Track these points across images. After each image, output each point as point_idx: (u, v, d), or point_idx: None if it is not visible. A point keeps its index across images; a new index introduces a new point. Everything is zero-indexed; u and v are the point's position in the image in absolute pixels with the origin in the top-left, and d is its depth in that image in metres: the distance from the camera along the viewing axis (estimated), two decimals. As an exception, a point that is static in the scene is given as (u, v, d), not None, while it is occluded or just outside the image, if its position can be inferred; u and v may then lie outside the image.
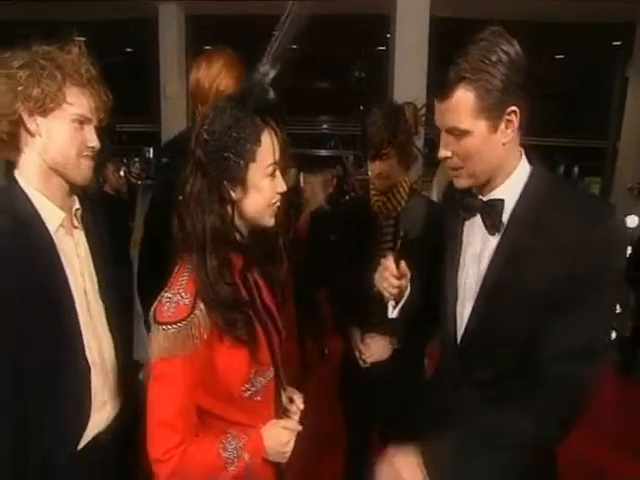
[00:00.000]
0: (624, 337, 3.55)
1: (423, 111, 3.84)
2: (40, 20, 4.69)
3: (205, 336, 0.77)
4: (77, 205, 0.98)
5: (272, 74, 0.80)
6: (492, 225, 0.87)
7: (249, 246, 0.88)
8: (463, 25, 4.06)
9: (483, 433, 0.85)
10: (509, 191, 0.86)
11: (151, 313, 0.78)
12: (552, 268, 0.80)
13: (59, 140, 0.89)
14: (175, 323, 0.75)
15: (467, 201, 0.92)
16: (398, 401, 1.47)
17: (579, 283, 0.79)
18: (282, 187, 0.85)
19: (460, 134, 0.82)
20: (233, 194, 0.80)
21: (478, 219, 0.91)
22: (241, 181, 0.79)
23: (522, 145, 0.89)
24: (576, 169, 8.55)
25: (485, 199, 0.89)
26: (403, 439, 1.53)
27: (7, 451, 0.85)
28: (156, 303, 0.78)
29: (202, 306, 0.77)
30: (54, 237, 0.90)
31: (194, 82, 1.39)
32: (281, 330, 0.94)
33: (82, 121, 0.90)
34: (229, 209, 0.81)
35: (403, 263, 1.00)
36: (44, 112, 0.86)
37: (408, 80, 3.77)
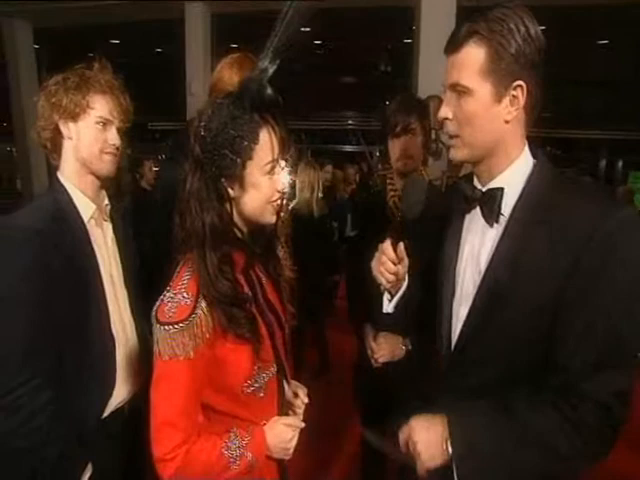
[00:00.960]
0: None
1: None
2: (77, 25, 4.90)
3: (207, 335, 0.76)
4: (106, 201, 1.15)
5: (271, 70, 0.78)
6: (490, 215, 0.83)
7: (250, 243, 0.87)
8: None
9: (523, 436, 0.79)
10: (510, 181, 0.82)
11: (153, 313, 0.78)
12: (559, 266, 0.75)
13: (86, 140, 1.05)
14: (177, 323, 0.75)
15: (467, 192, 0.88)
16: (412, 402, 1.46)
17: (591, 282, 0.74)
18: (282, 185, 0.83)
19: (463, 92, 0.78)
20: (231, 192, 0.80)
21: (478, 212, 0.87)
22: (239, 179, 0.78)
23: (528, 139, 0.84)
24: (620, 163, 8.01)
25: (484, 189, 0.85)
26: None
27: (51, 410, 0.96)
28: (158, 303, 0.79)
29: (204, 305, 0.77)
30: (87, 225, 1.07)
31: (214, 80, 1.42)
32: (284, 326, 0.93)
33: (104, 123, 1.06)
34: (228, 207, 0.80)
35: (401, 245, 0.93)
36: (73, 117, 1.03)
37: (434, 73, 3.67)
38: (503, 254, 0.81)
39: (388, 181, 1.54)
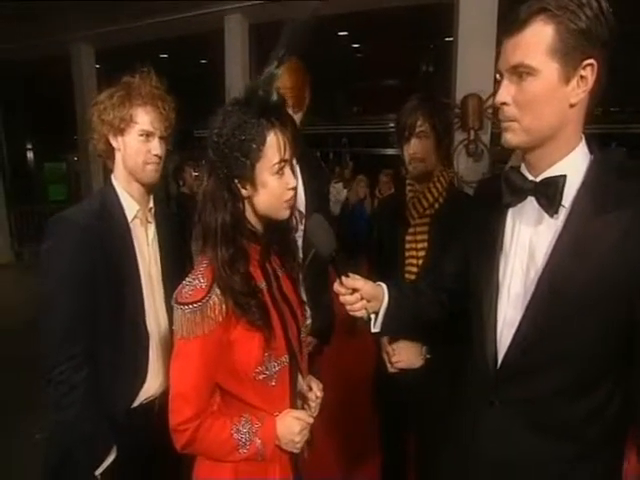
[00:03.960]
0: None
1: (489, 103, 3.58)
2: (131, 43, 5.23)
3: (220, 318, 0.82)
4: (151, 204, 1.23)
5: (276, 77, 0.84)
6: (550, 205, 0.76)
7: (265, 238, 0.92)
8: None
9: None
10: (570, 169, 0.75)
11: (174, 295, 0.86)
12: (636, 256, 0.69)
13: (131, 151, 1.13)
14: (192, 304, 0.82)
15: (517, 182, 0.81)
16: (431, 411, 1.40)
17: None
18: (292, 183, 0.87)
19: (527, 73, 0.72)
20: (244, 191, 0.86)
21: (527, 205, 0.80)
22: (250, 179, 0.84)
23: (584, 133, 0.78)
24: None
25: (538, 179, 0.79)
26: (439, 446, 1.46)
27: (85, 389, 1.04)
28: (179, 287, 0.86)
29: (218, 291, 0.83)
30: (130, 224, 1.15)
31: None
32: (299, 319, 0.96)
33: (147, 134, 1.13)
34: (241, 205, 0.86)
35: (345, 278, 0.93)
36: (120, 131, 1.12)
37: (473, 70, 3.55)
38: (568, 247, 0.74)
39: (407, 182, 1.52)
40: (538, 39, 0.71)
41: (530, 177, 0.80)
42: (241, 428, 0.87)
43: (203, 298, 0.82)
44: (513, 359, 0.81)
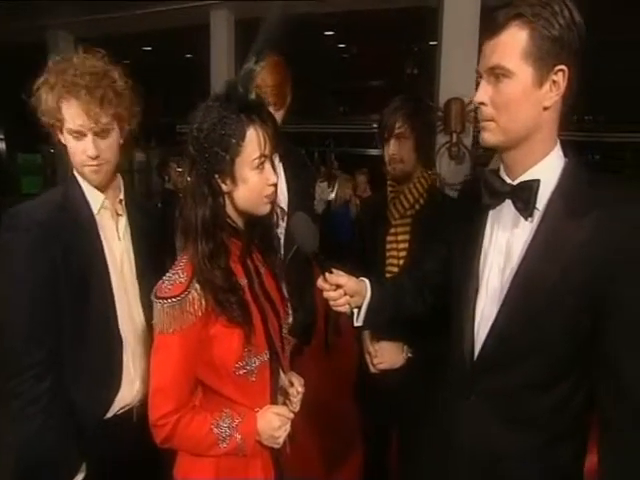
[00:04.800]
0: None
1: (471, 107, 3.65)
2: (114, 33, 5.11)
3: (200, 313, 0.83)
4: (121, 196, 1.11)
5: (255, 73, 0.85)
6: (525, 208, 0.80)
7: (246, 233, 0.92)
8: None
9: None
10: (544, 174, 0.79)
11: (154, 290, 0.86)
12: (606, 257, 0.73)
13: (69, 151, 1.01)
14: (171, 298, 0.82)
15: (495, 185, 0.85)
16: (413, 408, 1.43)
17: (627, 284, 0.72)
18: (273, 179, 0.88)
19: (503, 74, 0.77)
20: (224, 186, 0.86)
21: (505, 207, 0.84)
22: (230, 174, 0.84)
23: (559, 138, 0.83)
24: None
25: (516, 182, 0.82)
26: (420, 441, 1.48)
27: (47, 401, 0.95)
28: (159, 282, 0.86)
29: (197, 287, 0.83)
30: (96, 216, 1.05)
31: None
32: (281, 316, 0.97)
33: (75, 134, 0.97)
34: (221, 200, 0.86)
35: (329, 274, 0.95)
36: (56, 130, 0.99)
37: (455, 75, 3.61)
38: (540, 248, 0.78)
39: (388, 182, 1.53)
40: (513, 43, 0.75)
41: (508, 180, 0.84)
42: (221, 423, 0.87)
43: (182, 293, 0.82)
44: (489, 352, 0.85)
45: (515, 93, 0.76)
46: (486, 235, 0.88)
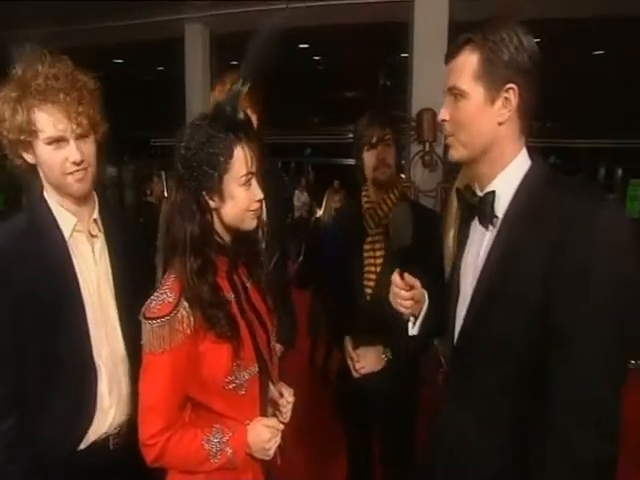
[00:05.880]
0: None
1: (443, 117, 3.76)
2: (84, 46, 5.05)
3: (189, 331, 0.83)
4: (95, 215, 1.04)
5: (242, 94, 0.88)
6: (484, 219, 0.87)
7: (233, 249, 0.94)
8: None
9: None
10: (504, 184, 0.85)
11: (142, 311, 0.86)
12: (549, 261, 0.76)
13: (45, 165, 0.93)
14: (160, 318, 0.82)
15: (468, 200, 0.92)
16: (394, 408, 1.47)
17: (566, 288, 0.74)
18: (259, 195, 0.91)
19: (459, 94, 0.84)
20: (212, 203, 0.87)
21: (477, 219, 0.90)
22: (217, 191, 0.86)
23: (527, 146, 0.88)
24: (620, 171, 8.03)
25: (480, 195, 0.89)
26: (402, 441, 1.50)
27: (8, 440, 0.90)
28: (147, 302, 0.86)
29: (186, 304, 0.84)
30: (68, 241, 0.98)
31: (213, 102, 1.50)
32: (268, 329, 0.98)
33: (56, 142, 0.91)
34: (209, 217, 0.88)
35: (407, 274, 1.00)
36: (25, 145, 0.91)
37: (427, 87, 3.73)
38: (496, 255, 0.84)
39: (363, 193, 1.57)
40: (466, 65, 0.83)
41: (479, 192, 0.90)
42: (212, 438, 0.87)
43: (171, 312, 0.83)
44: (460, 354, 0.91)
45: (470, 111, 0.83)
46: (466, 246, 0.95)
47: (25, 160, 0.95)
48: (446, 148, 0.90)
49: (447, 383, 0.97)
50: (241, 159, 0.86)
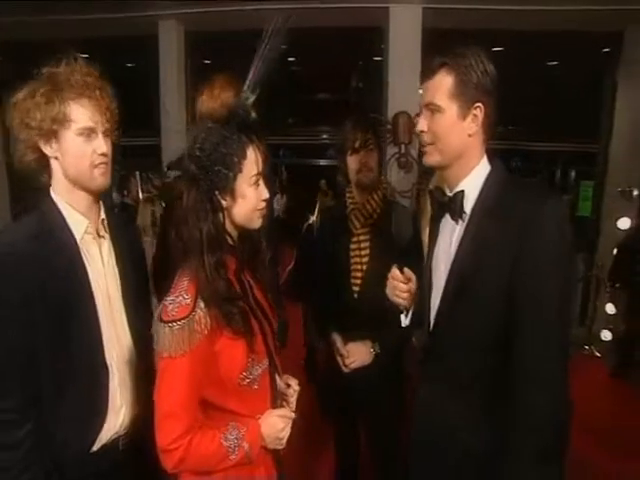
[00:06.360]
0: (618, 338, 3.55)
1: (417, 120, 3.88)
2: (42, 39, 4.83)
3: (206, 331, 0.85)
4: (103, 215, 1.06)
5: (253, 98, 0.93)
6: (454, 214, 0.99)
7: (240, 249, 0.98)
8: (455, 35, 4.15)
9: None
10: (470, 185, 0.98)
11: (156, 315, 0.87)
12: (504, 256, 0.88)
13: (72, 157, 0.95)
14: (179, 320, 0.84)
15: (439, 198, 1.03)
16: (379, 399, 1.54)
17: (522, 271, 0.86)
18: (265, 195, 0.95)
19: (435, 109, 0.96)
20: (224, 202, 0.91)
21: (447, 216, 1.01)
22: (230, 190, 0.90)
23: (487, 151, 1.01)
24: (573, 173, 8.63)
25: (451, 194, 1.00)
26: (387, 427, 1.58)
27: (28, 444, 0.89)
28: (160, 306, 0.87)
29: (202, 305, 0.86)
30: (79, 243, 0.98)
31: (200, 104, 1.50)
32: (273, 324, 1.03)
33: (88, 132, 0.95)
34: (221, 216, 0.91)
35: (406, 269, 1.10)
36: (52, 135, 0.93)
37: (402, 90, 3.85)
38: (464, 247, 0.95)
39: (348, 195, 1.62)
40: (442, 85, 0.95)
41: (448, 193, 1.02)
42: (229, 435, 0.89)
43: (190, 313, 0.84)
44: (435, 338, 1.02)
45: (445, 124, 0.96)
46: (437, 241, 1.05)
47: (42, 155, 0.95)
48: (422, 154, 1.02)
49: (423, 365, 1.08)
50: (253, 160, 0.91)
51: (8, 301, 0.88)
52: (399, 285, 1.11)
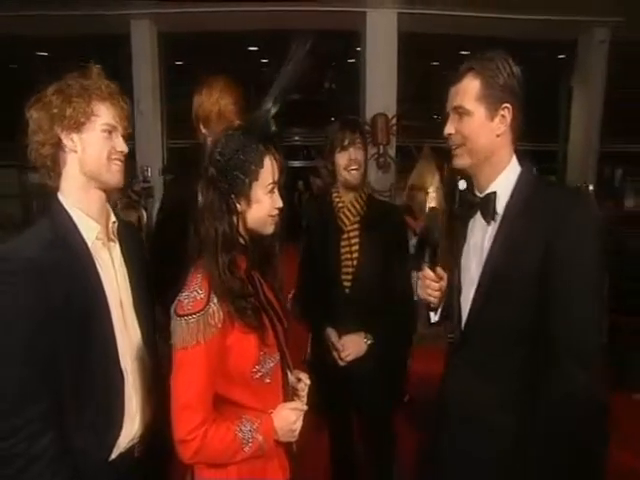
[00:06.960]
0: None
1: (394, 121, 4.01)
2: (11, 35, 4.60)
3: (219, 325, 0.88)
4: (113, 219, 1.06)
5: (274, 110, 0.97)
6: (487, 215, 1.03)
7: (252, 250, 1.01)
8: (428, 40, 4.30)
9: None
10: (502, 185, 1.02)
11: (172, 310, 0.90)
12: (538, 249, 0.93)
13: (93, 150, 0.98)
14: (194, 314, 0.87)
15: (470, 200, 1.08)
16: (374, 388, 1.58)
17: (558, 266, 0.92)
18: (279, 203, 0.98)
19: (464, 113, 0.99)
20: (239, 206, 0.94)
21: (478, 215, 1.06)
22: (246, 196, 0.93)
23: (516, 151, 1.05)
24: (534, 170, 9.27)
25: (482, 196, 1.04)
26: (380, 419, 1.63)
27: (52, 454, 0.88)
28: (175, 302, 0.90)
29: (215, 300, 0.88)
30: (91, 248, 0.98)
31: (197, 105, 1.54)
32: (283, 320, 1.06)
33: (110, 130, 1.00)
34: (235, 219, 0.94)
35: (439, 268, 1.14)
36: (77, 128, 0.96)
37: (379, 92, 3.95)
38: (497, 247, 1.00)
39: (334, 194, 1.67)
40: (469, 88, 0.99)
41: (479, 194, 1.07)
42: (243, 427, 0.91)
43: (204, 307, 0.87)
44: (470, 327, 1.06)
45: (474, 126, 1.00)
46: (467, 238, 1.10)
47: (57, 148, 0.96)
48: (452, 157, 1.06)
49: (455, 350, 1.12)
50: (269, 169, 0.94)
51: (35, 313, 0.87)
52: (431, 284, 1.15)
